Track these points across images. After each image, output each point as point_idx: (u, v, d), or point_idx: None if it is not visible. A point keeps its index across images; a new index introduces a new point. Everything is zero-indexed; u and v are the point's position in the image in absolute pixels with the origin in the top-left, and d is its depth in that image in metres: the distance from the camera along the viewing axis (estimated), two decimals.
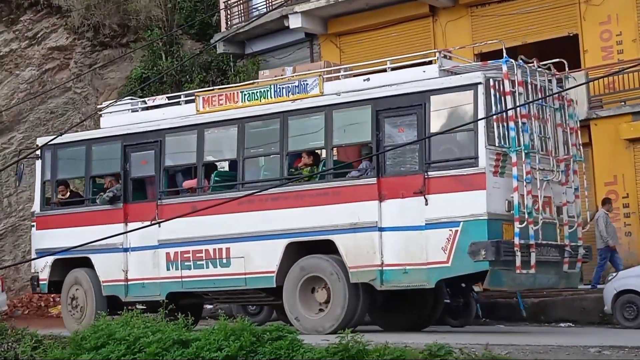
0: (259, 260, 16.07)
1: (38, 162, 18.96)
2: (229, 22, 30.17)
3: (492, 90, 14.27)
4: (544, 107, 15.35)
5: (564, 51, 25.30)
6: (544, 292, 21.41)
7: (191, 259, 16.68)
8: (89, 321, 17.40)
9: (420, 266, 14.56)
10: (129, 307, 17.25)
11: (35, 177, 19.29)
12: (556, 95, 15.51)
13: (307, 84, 16.05)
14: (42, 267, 18.54)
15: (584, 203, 16.58)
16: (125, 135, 17.76)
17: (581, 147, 16.30)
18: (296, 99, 16.12)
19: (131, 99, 19.54)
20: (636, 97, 23.31)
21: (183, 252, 16.77)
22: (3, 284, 24.64)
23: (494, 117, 14.14)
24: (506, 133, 14.35)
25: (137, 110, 18.37)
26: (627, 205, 22.53)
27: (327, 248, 15.46)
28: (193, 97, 17.57)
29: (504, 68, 14.54)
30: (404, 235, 14.70)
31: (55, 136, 18.53)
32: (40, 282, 18.70)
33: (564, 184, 15.49)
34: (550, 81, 15.73)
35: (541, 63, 15.75)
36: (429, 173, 14.50)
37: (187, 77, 29.99)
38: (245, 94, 16.66)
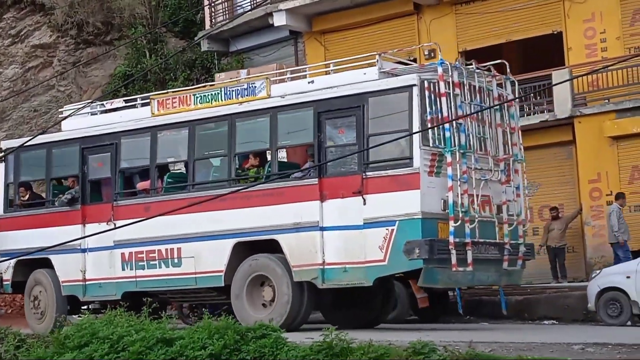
0: (209, 260, 16.29)
1: (1, 165, 19.16)
2: (213, 20, 30.12)
3: (426, 92, 14.51)
4: (482, 107, 15.60)
5: (548, 49, 25.45)
6: (527, 290, 21.49)
7: (145, 259, 16.95)
8: (50, 321, 18.00)
9: (359, 265, 14.81)
10: (88, 307, 17.96)
11: None
12: (496, 96, 15.79)
13: (255, 86, 16.34)
14: (6, 268, 18.77)
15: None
16: (83, 138, 17.99)
17: (522, 147, 16.46)
18: (244, 102, 16.38)
19: (91, 102, 19.90)
20: (620, 95, 23.38)
21: (137, 252, 17.01)
22: None
23: (429, 118, 14.43)
24: (441, 134, 14.59)
25: (96, 114, 18.65)
26: (610, 202, 22.56)
27: (273, 247, 15.69)
28: (148, 101, 17.83)
29: (439, 70, 14.78)
30: (344, 235, 14.95)
31: (19, 141, 19.35)
32: (4, 283, 18.91)
33: (503, 183, 15.70)
34: (490, 82, 15.91)
35: (481, 65, 15.95)
36: (367, 173, 14.76)
37: (172, 74, 29.94)
38: (197, 97, 16.92)
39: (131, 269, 17.13)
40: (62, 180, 19.02)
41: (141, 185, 17.60)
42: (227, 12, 30.03)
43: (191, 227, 16.23)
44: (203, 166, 17.01)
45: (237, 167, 16.40)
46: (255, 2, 28.96)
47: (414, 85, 14.54)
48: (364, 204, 14.69)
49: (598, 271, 19.18)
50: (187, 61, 30.27)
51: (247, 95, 16.38)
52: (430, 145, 14.49)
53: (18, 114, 31.51)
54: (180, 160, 17.42)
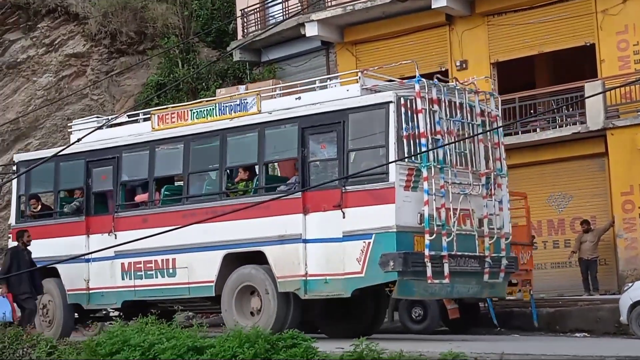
0: (201, 271, 16.70)
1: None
2: (245, 30, 30.23)
3: (403, 109, 14.80)
4: (463, 123, 15.82)
5: (581, 61, 25.36)
6: (559, 302, 21.39)
7: (142, 269, 17.37)
8: (58, 328, 18.49)
9: (339, 276, 15.12)
10: (93, 315, 18.59)
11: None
12: (479, 112, 16.00)
13: (246, 102, 16.75)
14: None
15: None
16: (88, 151, 18.42)
17: (505, 161, 16.65)
18: (235, 117, 16.79)
19: (97, 117, 20.53)
20: None
21: (135, 262, 17.44)
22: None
23: (405, 133, 14.71)
24: (418, 149, 14.86)
25: (102, 128, 18.88)
26: None
27: (260, 259, 16.05)
28: (149, 116, 18.31)
29: (417, 87, 15.07)
30: (325, 247, 15.27)
31: (31, 154, 20.23)
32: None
33: (485, 197, 15.85)
34: (472, 99, 16.11)
35: (463, 81, 16.25)
36: (347, 187, 15.05)
37: (204, 84, 30.06)
38: (194, 112, 17.37)
39: (130, 278, 17.58)
40: (71, 193, 19.37)
41: (139, 197, 18.06)
42: (259, 22, 30.14)
43: (185, 239, 16.43)
44: (197, 179, 17.38)
45: (229, 181, 16.83)
46: (287, 12, 29.04)
47: (391, 102, 14.85)
48: (343, 217, 15.03)
49: (630, 284, 19.05)
50: (219, 71, 30.40)
51: (239, 111, 16.79)
52: (406, 160, 14.75)
53: (51, 123, 31.74)
54: (176, 174, 17.75)
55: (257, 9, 30.09)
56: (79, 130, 19.23)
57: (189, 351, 13.03)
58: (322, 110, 15.70)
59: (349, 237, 14.95)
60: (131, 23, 31.48)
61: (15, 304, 17.72)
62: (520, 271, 20.11)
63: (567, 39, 25.08)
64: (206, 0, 32.18)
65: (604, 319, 19.74)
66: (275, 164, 17.37)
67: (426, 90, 15.14)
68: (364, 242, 14.77)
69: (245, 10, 30.06)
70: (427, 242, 14.65)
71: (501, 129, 16.75)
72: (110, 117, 20.11)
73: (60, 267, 18.30)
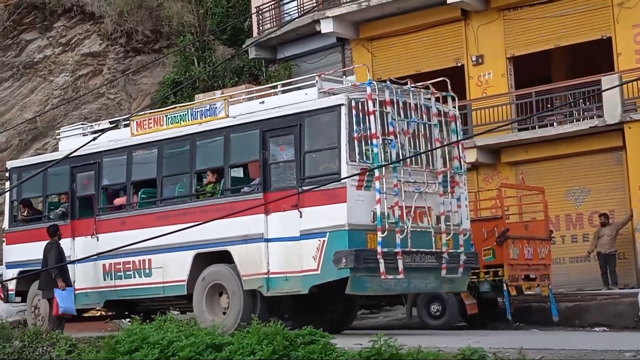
0: (174, 270, 17.23)
1: (7, 183, 20.52)
2: (260, 27, 30.26)
3: (354, 111, 15.19)
4: (419, 124, 16.15)
5: (598, 54, 25.26)
6: (578, 297, 21.34)
7: (122, 269, 17.93)
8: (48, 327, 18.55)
9: (297, 274, 15.57)
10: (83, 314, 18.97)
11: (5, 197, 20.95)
12: (435, 112, 16.41)
13: (215, 107, 17.32)
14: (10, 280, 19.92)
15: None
16: (72, 157, 18.28)
17: (464, 160, 17.05)
18: (204, 122, 17.35)
19: (82, 124, 21.30)
20: None
21: (115, 263, 18.02)
22: None
23: (356, 135, 15.13)
24: (370, 150, 15.27)
25: (87, 134, 19.56)
26: None
27: (228, 258, 16.52)
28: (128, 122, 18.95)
29: (368, 90, 15.44)
30: (285, 246, 15.72)
31: (22, 161, 21.22)
32: (9, 292, 20.12)
33: (442, 194, 16.20)
34: (429, 99, 16.47)
35: (419, 84, 16.56)
36: (303, 188, 15.49)
37: (220, 82, 30.09)
38: (168, 118, 17.93)
39: (111, 279, 18.16)
40: (59, 197, 19.97)
41: (118, 201, 18.68)
42: (274, 19, 30.16)
43: (159, 240, 16.13)
44: (170, 182, 17.91)
45: (198, 183, 17.40)
46: (302, 9, 29.05)
47: (342, 104, 15.24)
48: (301, 216, 15.46)
49: None
50: (235, 68, 30.44)
51: (209, 116, 17.33)
52: (357, 161, 15.14)
53: (69, 122, 31.73)
54: (151, 178, 18.13)
55: (272, 6, 30.12)
56: (66, 137, 20.03)
57: (208, 348, 13.06)
58: (280, 114, 16.20)
59: (305, 235, 15.39)
60: (147, 22, 31.55)
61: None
62: (538, 266, 20.13)
63: (583, 32, 25.00)
64: None
65: (623, 313, 19.67)
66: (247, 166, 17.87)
67: (377, 93, 15.52)
68: (319, 240, 15.21)
69: (261, 7, 30.10)
70: (379, 239, 15.05)
71: (459, 128, 16.99)
72: (93, 124, 20.85)
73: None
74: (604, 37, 24.65)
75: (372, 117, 15.29)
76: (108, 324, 20.07)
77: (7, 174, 20.56)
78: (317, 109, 15.69)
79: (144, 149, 18.17)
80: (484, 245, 19.19)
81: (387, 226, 15.12)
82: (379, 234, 15.06)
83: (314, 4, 28.59)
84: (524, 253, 19.76)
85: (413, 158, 15.86)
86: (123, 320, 19.24)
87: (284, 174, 16.08)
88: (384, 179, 15.19)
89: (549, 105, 25.14)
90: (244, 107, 17.18)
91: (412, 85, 16.38)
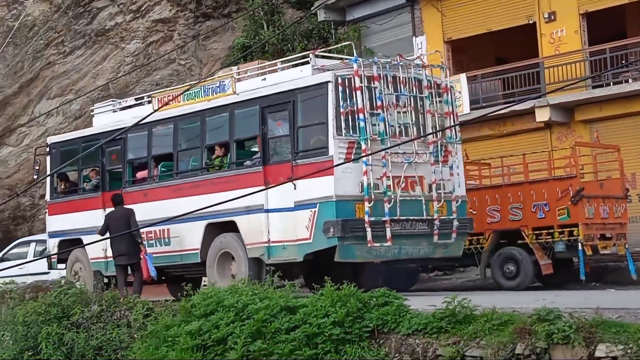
0: (189, 239, 18.25)
1: (48, 158, 21.78)
2: None
3: (340, 87, 16.00)
4: (410, 97, 16.84)
5: None
6: None
7: (145, 239, 18.70)
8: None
9: (293, 242, 16.51)
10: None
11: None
12: (426, 84, 17.07)
13: (224, 84, 18.31)
14: (52, 247, 21.31)
15: None
16: (100, 133, 20.27)
17: (457, 129, 17.64)
18: (213, 99, 18.34)
19: (112, 101, 22.60)
20: None
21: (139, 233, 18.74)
22: None
23: (342, 110, 15.94)
24: (357, 123, 16.02)
25: (116, 111, 20.96)
26: None
27: (235, 228, 17.47)
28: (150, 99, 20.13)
29: (354, 66, 16.21)
30: (282, 216, 16.63)
31: (61, 136, 22.75)
32: (52, 260, 21.50)
33: (433, 163, 16.85)
34: (420, 72, 17.10)
35: (412, 57, 17.99)
36: (297, 161, 16.43)
37: (289, 45, 30.06)
38: (185, 95, 18.98)
39: None
40: (90, 171, 21.16)
41: (140, 174, 19.81)
42: None
43: (176, 211, 17.57)
44: (185, 156, 18.96)
45: (208, 157, 18.29)
46: None
47: (329, 81, 16.07)
48: (295, 188, 16.24)
49: None
50: (304, 32, 30.36)
51: (218, 92, 18.34)
52: (344, 134, 15.95)
53: (141, 88, 32.08)
54: (169, 153, 19.15)
55: None
56: (99, 113, 21.47)
57: (282, 311, 13.16)
58: (276, 90, 17.05)
59: (299, 206, 16.28)
60: None
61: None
62: (614, 225, 19.88)
63: None
64: None
65: None
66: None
67: (363, 69, 16.22)
68: (311, 211, 16.09)
69: None
70: (366, 209, 15.87)
71: (451, 98, 17.50)
72: (121, 101, 21.94)
73: (84, 238, 19.96)
74: None
75: (358, 92, 16.08)
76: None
77: (47, 149, 21.86)
78: (308, 86, 16.50)
79: (162, 125, 19.16)
80: (558, 205, 19.03)
81: (373, 196, 15.92)
82: (366, 203, 15.88)
83: None
84: (599, 212, 19.53)
85: (403, 130, 16.63)
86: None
87: (281, 148, 16.95)
88: (370, 151, 15.89)
89: (623, 62, 24.68)
90: (250, 83, 17.98)
91: (402, 59, 17.12)
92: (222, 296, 14.06)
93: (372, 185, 15.91)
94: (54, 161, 21.35)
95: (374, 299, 12.84)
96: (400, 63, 16.93)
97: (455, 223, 17.07)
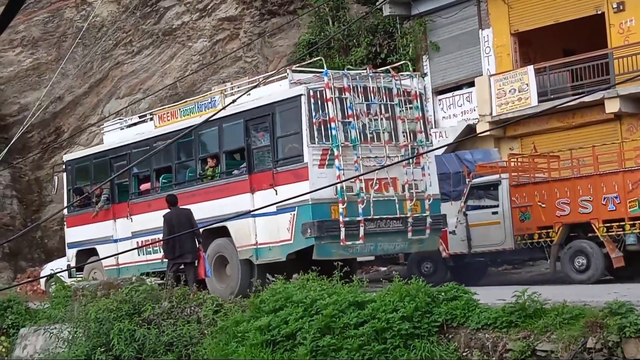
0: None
1: (64, 174, 23.42)
2: None
3: (312, 100, 17.29)
4: (381, 105, 18.02)
5: None
6: None
7: (150, 246, 20.08)
8: None
9: (277, 244, 17.79)
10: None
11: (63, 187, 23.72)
12: (396, 93, 18.26)
13: (215, 100, 19.77)
14: (71, 258, 22.87)
15: None
16: (108, 150, 22.20)
17: (428, 132, 19.06)
18: (204, 114, 19.62)
19: (120, 119, 24.45)
20: None
21: (145, 241, 20.41)
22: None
23: (315, 120, 17.21)
24: (329, 132, 17.30)
25: (124, 129, 22.56)
26: None
27: (227, 232, 18.70)
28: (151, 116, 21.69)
29: (325, 79, 17.50)
30: (267, 220, 17.88)
31: (76, 154, 24.45)
32: (71, 269, 22.73)
33: (405, 166, 17.94)
34: (390, 81, 18.29)
35: (381, 69, 18.89)
36: (277, 169, 17.78)
37: (354, 41, 30.05)
38: (182, 111, 20.65)
39: (143, 254, 20.50)
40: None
41: (143, 186, 21.26)
42: None
43: None
44: (182, 168, 20.42)
45: (202, 168, 19.67)
46: None
47: (302, 95, 17.34)
48: (276, 194, 17.51)
49: None
50: (370, 27, 30.31)
51: (210, 108, 19.66)
52: (317, 142, 17.22)
53: (207, 87, 32.27)
54: (168, 165, 20.59)
55: None
56: (109, 131, 23.05)
57: (350, 306, 13.20)
58: (258, 105, 18.34)
59: (280, 210, 17.35)
60: None
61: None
62: None
63: None
64: None
65: None
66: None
67: (333, 82, 17.42)
68: (291, 214, 17.37)
69: None
70: (340, 210, 17.09)
71: (421, 104, 18.60)
72: (127, 119, 23.86)
73: (98, 248, 21.74)
74: None
75: (330, 103, 17.34)
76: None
77: (63, 166, 23.58)
78: (283, 100, 17.78)
79: (162, 140, 20.44)
80: (629, 197, 18.79)
81: (346, 198, 17.11)
82: (340, 205, 17.10)
83: None
84: None
85: (375, 136, 17.82)
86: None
87: (264, 157, 18.33)
88: (341, 157, 17.22)
89: None
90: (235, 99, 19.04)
91: (372, 70, 18.61)
92: (290, 292, 14.15)
93: (345, 188, 17.10)
94: (70, 177, 23.02)
95: (443, 294, 12.82)
96: (370, 74, 18.25)
97: (429, 220, 18.20)
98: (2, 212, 32.15)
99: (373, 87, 18.02)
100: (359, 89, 17.83)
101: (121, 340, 16.03)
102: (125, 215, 21.14)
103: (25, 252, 32.92)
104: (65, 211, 23.60)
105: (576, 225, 19.75)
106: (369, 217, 17.38)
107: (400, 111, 18.21)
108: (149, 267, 20.26)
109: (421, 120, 18.57)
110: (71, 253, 22.81)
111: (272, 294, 14.42)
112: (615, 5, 25.35)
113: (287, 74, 18.33)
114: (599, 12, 25.82)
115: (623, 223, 18.77)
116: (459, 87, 28.45)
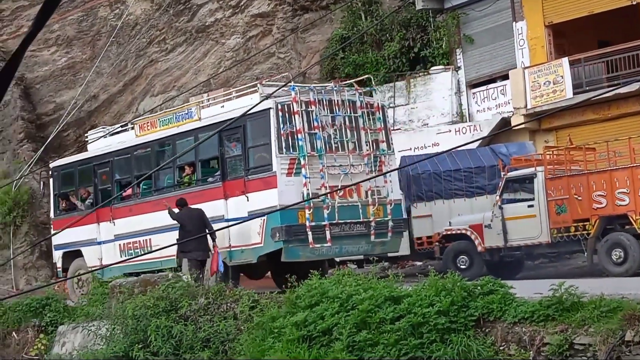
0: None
1: (50, 180, 25.04)
2: None
3: (280, 113, 18.48)
4: (345, 117, 19.25)
5: None
6: None
7: (132, 248, 21.61)
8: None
9: (249, 247, 18.96)
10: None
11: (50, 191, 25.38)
12: (359, 105, 19.51)
13: (191, 111, 21.07)
14: (58, 259, 24.24)
15: None
16: (92, 157, 23.49)
17: (391, 141, 20.03)
18: (182, 125, 20.95)
19: (103, 128, 25.77)
20: None
21: (127, 243, 21.91)
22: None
23: (283, 132, 18.38)
24: (296, 143, 18.48)
25: (107, 137, 23.69)
26: None
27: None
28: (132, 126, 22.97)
29: (292, 94, 18.71)
30: (239, 225, 18.64)
31: (61, 160, 25.54)
32: (58, 270, 24.46)
33: (368, 173, 19.05)
34: (354, 95, 19.59)
35: (343, 83, 20.36)
36: (248, 177, 18.96)
37: (387, 35, 30.00)
38: (160, 121, 21.87)
39: (126, 255, 21.57)
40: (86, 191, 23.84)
41: (126, 193, 22.31)
42: None
43: (155, 223, 20.72)
44: (162, 175, 21.68)
45: (179, 175, 20.89)
46: None
47: (271, 108, 18.52)
48: (247, 200, 18.80)
49: None
50: (403, 21, 30.25)
51: (187, 119, 21.03)
52: (285, 152, 18.44)
53: (241, 83, 32.30)
54: (148, 172, 21.22)
55: None
56: (93, 140, 24.12)
57: (386, 301, 13.20)
58: (230, 117, 18.91)
59: (252, 216, 18.42)
60: None
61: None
62: None
63: None
64: None
65: None
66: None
67: (300, 96, 18.62)
68: (261, 219, 18.40)
69: None
70: (307, 215, 18.26)
71: (383, 116, 19.89)
72: (110, 128, 25.01)
73: (83, 249, 23.08)
74: None
75: (296, 116, 18.56)
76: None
77: (49, 172, 24.86)
78: (254, 112, 18.19)
79: (142, 149, 21.91)
80: None
81: (312, 204, 18.19)
82: (307, 211, 18.26)
83: None
84: None
85: (339, 146, 18.99)
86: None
87: (236, 166, 19.44)
88: (308, 166, 18.34)
89: None
90: (212, 110, 20.60)
91: (336, 84, 20.09)
92: (326, 287, 14.16)
93: (311, 194, 18.12)
94: (56, 183, 24.33)
95: (479, 288, 12.78)
96: (335, 88, 19.54)
97: (390, 223, 19.41)
98: (40, 211, 32.39)
99: (338, 100, 19.29)
100: (325, 102, 19.09)
101: (158, 336, 16.13)
102: (109, 219, 22.31)
103: None
104: (51, 214, 25.04)
105: (613, 218, 19.61)
106: (334, 222, 18.56)
107: (363, 122, 19.44)
108: (131, 268, 21.16)
109: (383, 131, 19.79)
110: (57, 254, 24.15)
111: (307, 290, 14.44)
112: None
113: (258, 88, 19.57)
114: (634, 3, 25.60)
115: None
116: (493, 80, 28.33)
